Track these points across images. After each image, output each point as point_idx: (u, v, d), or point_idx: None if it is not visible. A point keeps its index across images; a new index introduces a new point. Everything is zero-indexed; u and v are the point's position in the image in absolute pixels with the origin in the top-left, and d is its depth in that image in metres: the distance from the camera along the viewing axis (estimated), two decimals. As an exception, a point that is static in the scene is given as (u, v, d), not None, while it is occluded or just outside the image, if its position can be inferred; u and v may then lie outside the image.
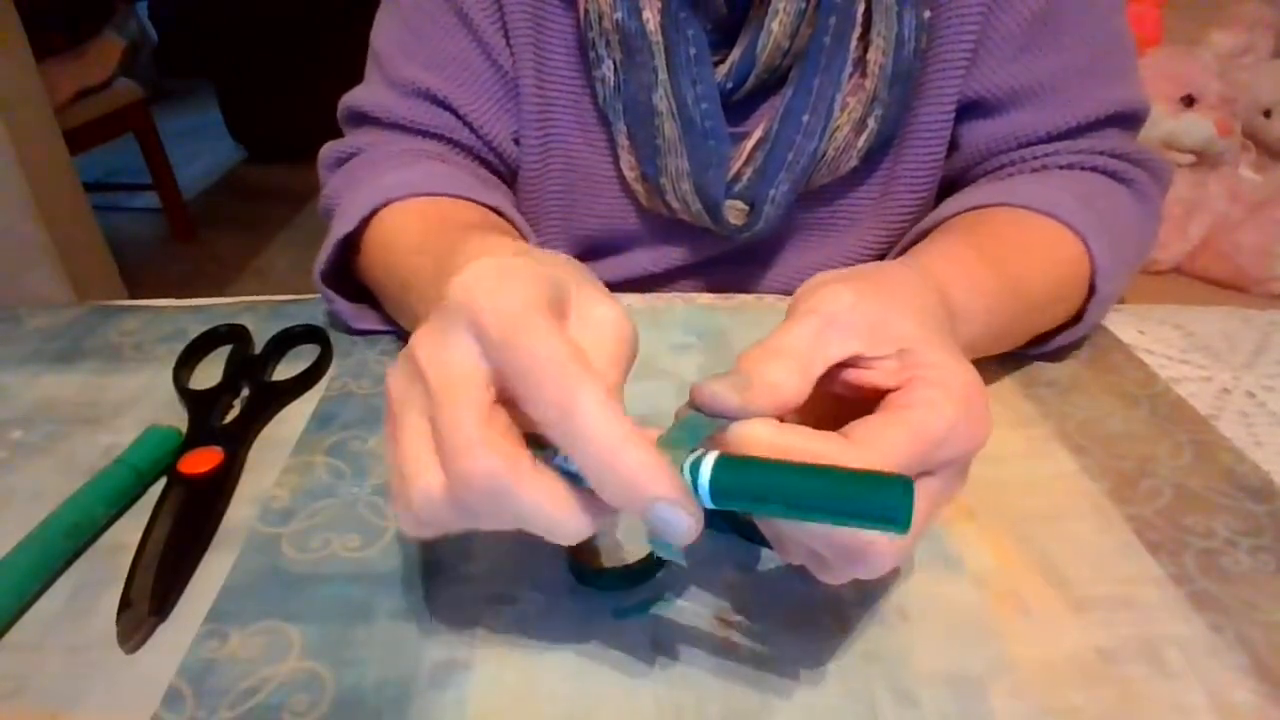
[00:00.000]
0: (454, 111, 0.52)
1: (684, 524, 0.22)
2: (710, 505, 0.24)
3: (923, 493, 0.26)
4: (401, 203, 0.46)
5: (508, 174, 0.56)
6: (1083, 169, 0.48)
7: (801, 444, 0.25)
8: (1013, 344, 0.44)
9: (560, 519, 0.23)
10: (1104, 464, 0.38)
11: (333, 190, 0.51)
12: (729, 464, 0.23)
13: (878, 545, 0.24)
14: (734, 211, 0.52)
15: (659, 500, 0.22)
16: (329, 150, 0.54)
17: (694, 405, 0.27)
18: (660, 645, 0.30)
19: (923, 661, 0.29)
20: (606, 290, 0.28)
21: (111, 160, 2.48)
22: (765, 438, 0.25)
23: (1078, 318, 0.45)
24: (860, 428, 0.26)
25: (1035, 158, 0.49)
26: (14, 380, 0.46)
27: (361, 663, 0.30)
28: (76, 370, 0.47)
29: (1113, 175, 0.48)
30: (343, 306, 0.49)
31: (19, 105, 1.51)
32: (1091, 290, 0.44)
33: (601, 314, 0.26)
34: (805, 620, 0.31)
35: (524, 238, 0.49)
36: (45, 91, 1.60)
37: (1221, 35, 1.44)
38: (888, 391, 0.27)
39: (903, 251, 0.58)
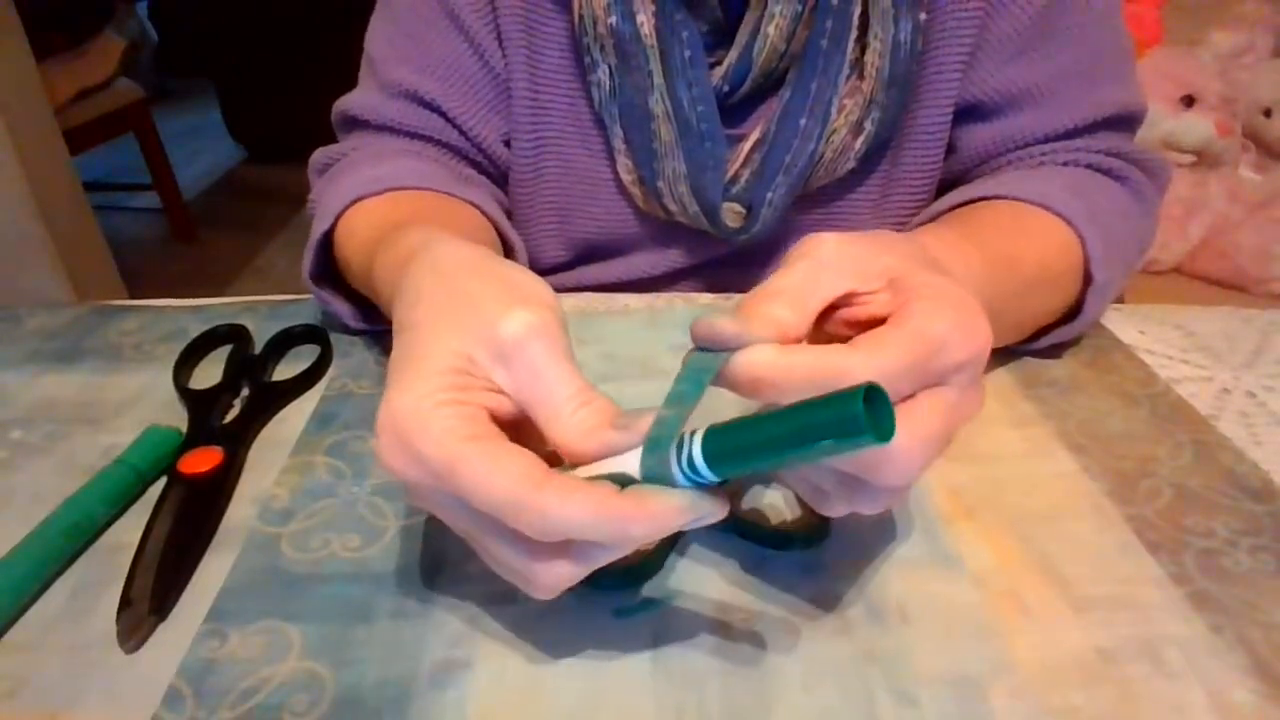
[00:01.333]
0: (442, 113, 0.52)
1: (709, 519, 0.25)
2: (715, 479, 0.24)
3: (938, 403, 0.26)
4: (369, 199, 0.46)
5: (498, 176, 0.56)
6: (1076, 166, 0.48)
7: (805, 358, 0.25)
8: (1012, 331, 0.43)
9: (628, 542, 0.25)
10: (1104, 464, 0.38)
11: (316, 194, 0.52)
12: (714, 435, 0.24)
13: (884, 461, 0.25)
14: (731, 214, 0.52)
15: (676, 526, 0.24)
16: (317, 156, 0.54)
17: (695, 342, 0.27)
18: (660, 645, 0.30)
19: (923, 661, 0.29)
20: (509, 280, 0.29)
21: (111, 160, 2.48)
22: (768, 358, 0.26)
23: (1077, 311, 0.45)
24: (863, 339, 0.26)
25: (1031, 159, 0.49)
26: (14, 380, 0.46)
27: (361, 663, 0.30)
28: (76, 370, 0.47)
29: (1107, 172, 0.48)
30: (339, 306, 0.49)
31: (19, 105, 1.51)
32: (1088, 280, 0.44)
33: (511, 329, 0.26)
34: (805, 620, 0.31)
35: (502, 237, 0.50)
36: (45, 91, 1.60)
37: (1221, 35, 1.44)
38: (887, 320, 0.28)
39: None
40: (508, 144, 0.54)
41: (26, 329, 0.51)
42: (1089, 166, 0.48)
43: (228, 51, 2.82)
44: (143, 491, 0.38)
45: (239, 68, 2.84)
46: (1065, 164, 0.49)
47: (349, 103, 0.54)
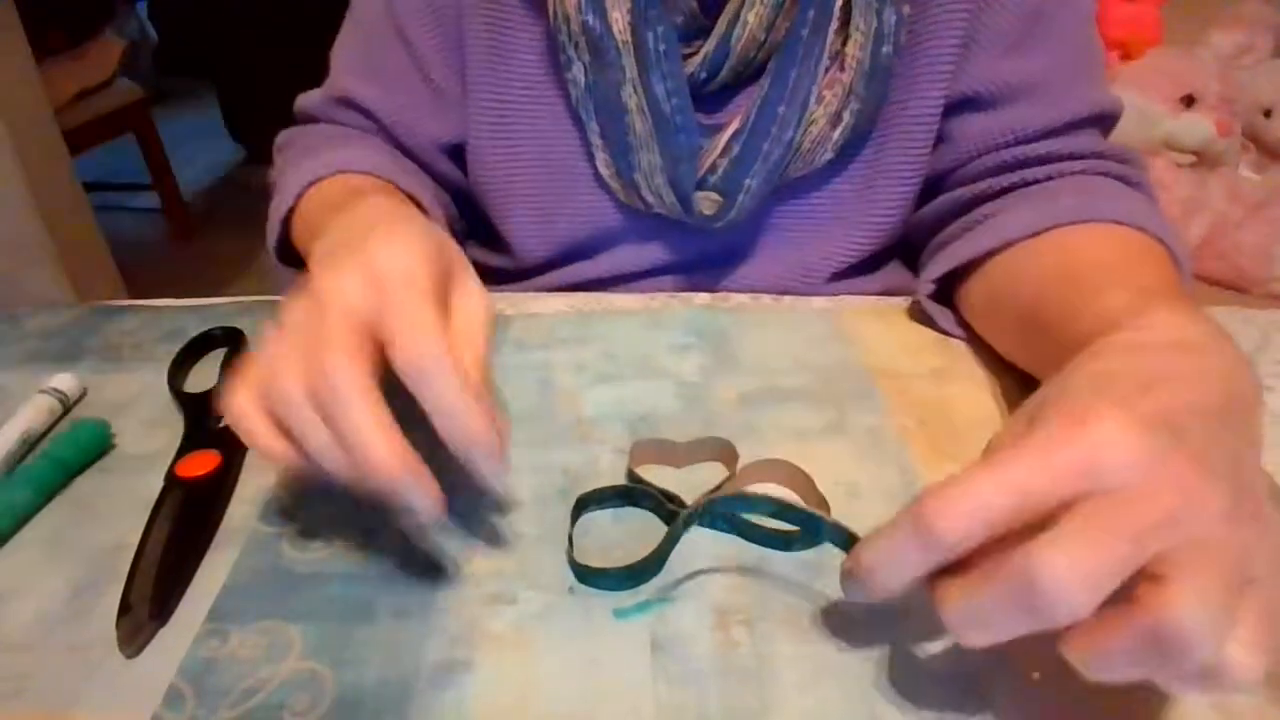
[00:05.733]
0: (376, 119, 0.57)
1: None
2: None
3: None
4: (323, 182, 0.49)
5: (434, 181, 0.58)
6: (1094, 174, 0.48)
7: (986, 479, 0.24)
8: None
9: (375, 444, 0.28)
10: (1104, 464, 0.38)
11: (276, 170, 0.57)
12: None
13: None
14: (707, 202, 0.52)
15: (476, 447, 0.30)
16: (281, 136, 0.61)
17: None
18: (660, 645, 0.30)
19: (923, 662, 0.29)
20: (471, 270, 0.36)
21: (111, 160, 2.47)
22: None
23: None
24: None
25: (1026, 157, 0.49)
26: (14, 380, 0.46)
27: (361, 663, 0.30)
28: (76, 370, 0.47)
29: (1121, 179, 0.49)
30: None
31: (19, 105, 1.50)
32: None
33: (470, 291, 0.34)
34: (805, 620, 0.31)
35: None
36: (45, 91, 1.60)
37: (1221, 35, 1.44)
38: None
39: (903, 248, 0.58)
40: (456, 151, 0.57)
41: (26, 329, 0.51)
42: (1103, 174, 0.48)
43: (228, 51, 2.82)
44: (67, 483, 0.39)
45: (239, 68, 2.84)
46: (1079, 173, 0.48)
47: (304, 100, 0.60)
